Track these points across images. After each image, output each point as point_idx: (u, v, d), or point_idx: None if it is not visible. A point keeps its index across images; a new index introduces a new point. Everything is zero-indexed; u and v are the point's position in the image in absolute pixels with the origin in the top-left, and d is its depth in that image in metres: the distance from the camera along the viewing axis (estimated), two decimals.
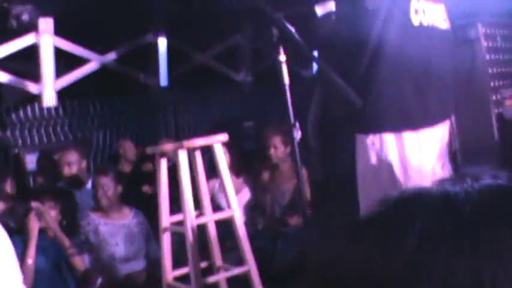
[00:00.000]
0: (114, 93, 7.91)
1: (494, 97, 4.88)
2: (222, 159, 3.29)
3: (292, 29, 2.65)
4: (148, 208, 4.95)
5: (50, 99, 6.91)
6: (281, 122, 3.26)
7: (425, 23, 2.94)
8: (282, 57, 2.68)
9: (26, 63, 6.89)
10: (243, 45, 8.77)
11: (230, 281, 3.42)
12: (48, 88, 6.82)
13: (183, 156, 3.19)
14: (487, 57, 4.32)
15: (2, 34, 6.18)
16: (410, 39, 2.88)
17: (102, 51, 7.45)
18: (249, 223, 4.80)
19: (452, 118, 3.13)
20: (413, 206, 0.75)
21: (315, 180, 3.45)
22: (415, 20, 2.91)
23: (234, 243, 3.43)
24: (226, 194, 3.32)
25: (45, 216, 4.17)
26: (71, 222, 4.51)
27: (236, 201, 3.35)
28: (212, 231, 3.35)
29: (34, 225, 4.09)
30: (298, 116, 2.74)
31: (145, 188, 5.95)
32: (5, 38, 6.43)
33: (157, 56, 7.78)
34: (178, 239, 3.50)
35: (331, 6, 3.04)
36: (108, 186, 4.63)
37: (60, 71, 6.94)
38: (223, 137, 3.32)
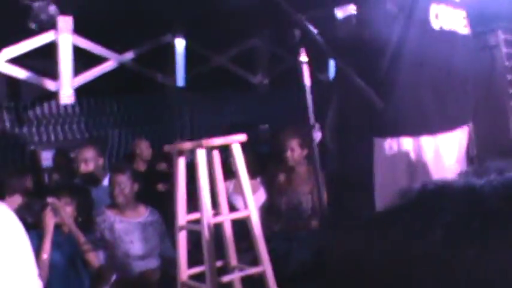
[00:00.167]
0: (131, 93, 7.95)
1: None
2: (240, 158, 3.29)
3: (314, 31, 2.67)
4: (161, 207, 4.98)
5: (67, 97, 6.94)
6: (298, 124, 3.27)
7: (445, 28, 2.94)
8: (304, 58, 2.69)
9: (44, 60, 6.93)
10: (260, 48, 8.78)
11: (244, 281, 3.42)
12: (66, 86, 6.84)
13: (201, 155, 3.19)
14: (507, 63, 4.29)
15: (22, 32, 6.22)
16: (430, 44, 2.88)
17: (120, 51, 7.47)
18: (265, 225, 4.79)
19: (471, 124, 3.12)
20: (438, 199, 0.73)
21: (332, 180, 3.45)
22: (436, 25, 2.91)
23: (248, 244, 3.42)
24: (243, 194, 3.32)
25: (60, 212, 4.19)
26: (86, 219, 4.53)
27: (253, 201, 3.35)
28: (228, 230, 3.35)
29: (50, 221, 4.13)
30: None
31: (160, 187, 5.98)
32: (24, 35, 6.48)
33: (174, 57, 7.78)
34: (193, 239, 3.50)
35: (352, 9, 3.06)
36: (125, 184, 4.66)
37: (78, 69, 6.98)
38: (242, 137, 3.32)
